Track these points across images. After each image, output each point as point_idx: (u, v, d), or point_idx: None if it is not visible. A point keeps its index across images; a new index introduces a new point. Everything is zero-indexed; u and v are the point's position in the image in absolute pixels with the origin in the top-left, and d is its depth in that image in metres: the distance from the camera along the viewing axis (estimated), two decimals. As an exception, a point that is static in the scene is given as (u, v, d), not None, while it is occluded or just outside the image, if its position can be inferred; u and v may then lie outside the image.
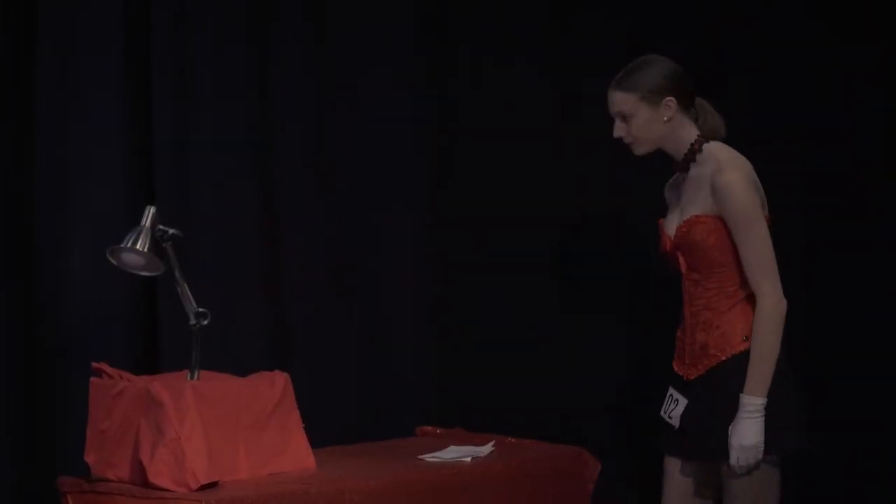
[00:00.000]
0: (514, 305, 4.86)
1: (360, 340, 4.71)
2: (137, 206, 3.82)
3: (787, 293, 3.50)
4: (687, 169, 3.58)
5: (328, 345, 4.64)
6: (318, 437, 3.90)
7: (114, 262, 3.72)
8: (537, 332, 4.83)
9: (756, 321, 3.45)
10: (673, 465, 3.71)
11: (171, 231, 3.70)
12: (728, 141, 3.65)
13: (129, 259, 3.70)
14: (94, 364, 3.75)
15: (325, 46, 4.60)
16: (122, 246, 3.67)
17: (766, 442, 3.46)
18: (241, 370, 3.87)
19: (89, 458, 3.66)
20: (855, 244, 4.92)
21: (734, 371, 3.49)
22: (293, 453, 3.79)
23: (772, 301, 3.44)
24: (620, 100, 3.54)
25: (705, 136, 3.58)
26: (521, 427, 4.36)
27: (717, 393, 3.53)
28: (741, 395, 3.45)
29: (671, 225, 3.60)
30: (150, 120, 4.36)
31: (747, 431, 3.44)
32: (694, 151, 3.56)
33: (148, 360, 4.30)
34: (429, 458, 3.98)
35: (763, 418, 3.43)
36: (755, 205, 3.45)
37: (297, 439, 3.81)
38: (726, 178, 3.45)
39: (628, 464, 4.72)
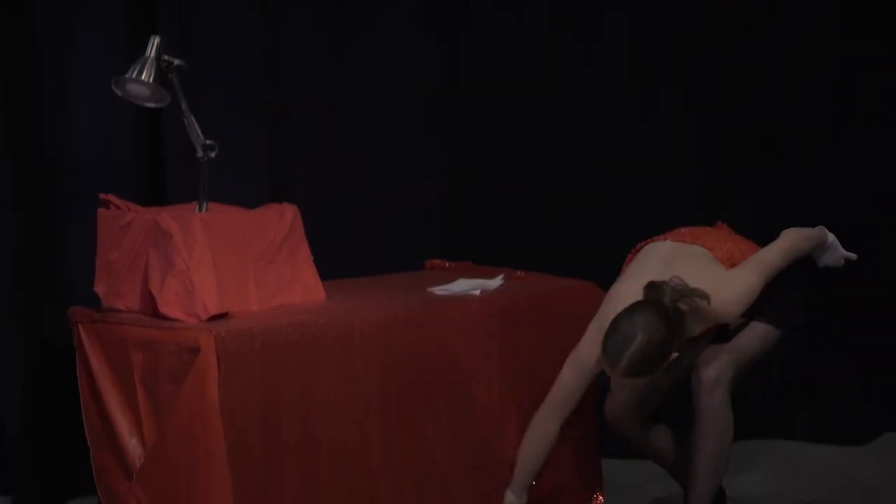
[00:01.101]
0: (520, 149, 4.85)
1: (370, 172, 4.69)
2: (142, 36, 3.76)
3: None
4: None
5: (337, 176, 4.63)
6: (327, 269, 3.91)
7: (119, 93, 3.68)
8: (547, 170, 4.81)
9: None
10: None
11: (176, 62, 3.66)
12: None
13: (135, 90, 3.67)
14: (102, 195, 3.74)
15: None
16: (127, 76, 3.63)
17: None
18: (250, 202, 3.85)
19: (98, 288, 3.67)
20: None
21: None
22: (303, 285, 3.80)
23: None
24: (633, 381, 3.67)
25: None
26: (531, 262, 4.37)
27: None
28: None
29: None
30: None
31: None
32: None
33: (155, 193, 4.30)
34: (438, 290, 3.99)
35: None
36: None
37: (307, 271, 3.81)
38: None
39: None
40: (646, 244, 3.96)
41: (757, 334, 3.88)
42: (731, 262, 3.82)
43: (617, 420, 4.03)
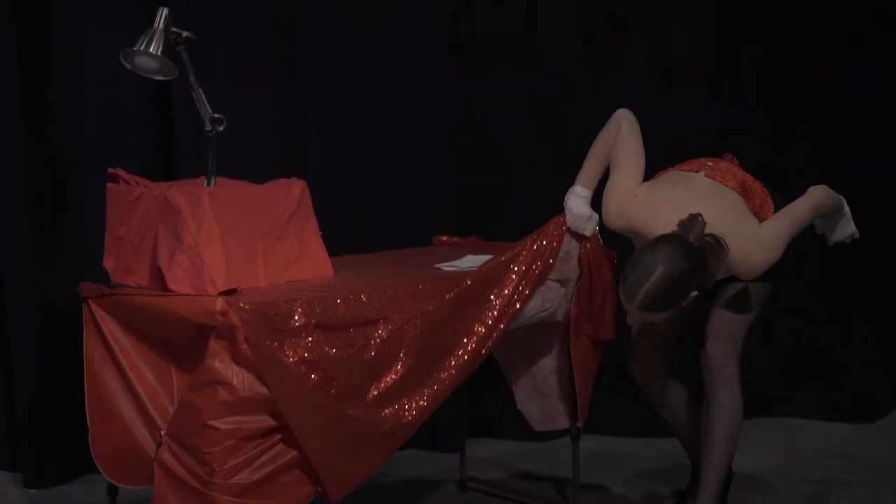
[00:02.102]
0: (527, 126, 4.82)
1: (378, 149, 4.67)
2: (150, 7, 3.72)
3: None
4: None
5: (345, 153, 4.61)
6: (335, 245, 3.89)
7: (127, 65, 3.65)
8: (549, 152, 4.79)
9: None
10: None
11: (184, 34, 3.62)
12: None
13: (143, 62, 3.63)
14: (111, 170, 3.72)
15: None
16: (135, 49, 3.60)
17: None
18: (258, 177, 3.83)
19: (108, 263, 3.65)
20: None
21: None
22: (311, 260, 3.78)
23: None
24: (650, 317, 3.61)
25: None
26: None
27: None
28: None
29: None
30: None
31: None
32: None
33: (164, 167, 4.28)
34: (445, 266, 3.97)
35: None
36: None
37: (315, 247, 3.79)
38: None
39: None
40: (671, 171, 3.92)
41: (757, 294, 3.83)
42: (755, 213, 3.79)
43: (640, 372, 4.00)
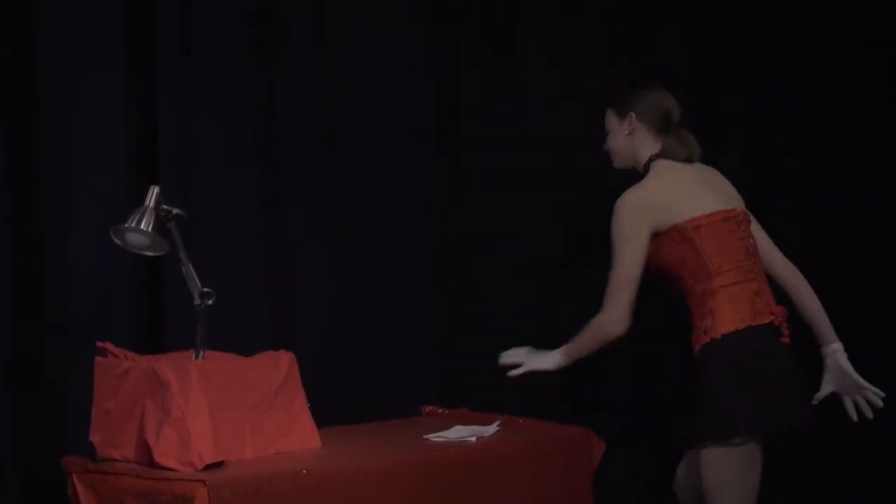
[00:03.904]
0: (518, 286, 4.86)
1: (365, 322, 4.70)
2: (141, 186, 3.79)
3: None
4: None
5: (332, 326, 4.64)
6: (323, 417, 3.90)
7: (118, 241, 3.71)
8: (541, 311, 4.82)
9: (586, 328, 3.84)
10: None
11: (175, 211, 3.69)
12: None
13: (134, 239, 3.70)
14: (99, 343, 3.75)
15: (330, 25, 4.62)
16: (126, 226, 3.67)
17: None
18: (246, 350, 3.86)
19: (94, 437, 3.65)
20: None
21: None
22: (299, 433, 3.79)
23: (603, 318, 3.81)
24: (607, 114, 3.99)
25: (661, 156, 3.91)
26: (527, 407, 4.35)
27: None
28: None
29: None
30: (154, 101, 4.34)
31: None
32: (645, 171, 3.92)
33: (152, 340, 4.30)
34: (434, 437, 3.98)
35: None
36: (622, 231, 3.78)
37: (303, 419, 3.81)
38: (617, 202, 3.82)
39: (634, 447, 4.74)
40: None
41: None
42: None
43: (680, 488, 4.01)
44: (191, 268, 3.72)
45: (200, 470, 3.46)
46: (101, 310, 4.28)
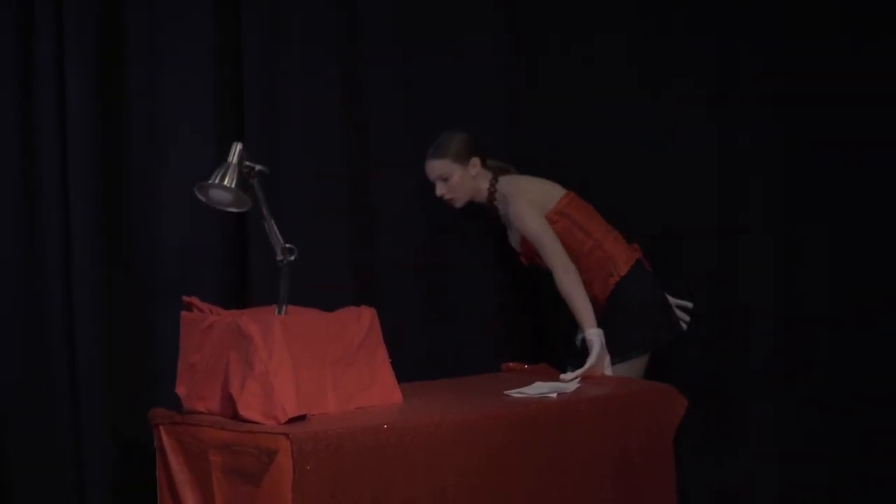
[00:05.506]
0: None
1: (448, 277, 4.71)
2: (225, 143, 3.83)
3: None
4: (497, 210, 4.55)
5: (415, 280, 4.65)
6: (405, 371, 3.92)
7: (202, 198, 3.74)
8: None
9: (558, 287, 4.39)
10: None
11: (257, 167, 3.72)
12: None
13: (217, 195, 3.73)
14: (185, 298, 3.80)
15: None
16: (209, 182, 3.70)
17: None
18: (329, 305, 3.88)
19: (180, 390, 3.71)
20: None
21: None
22: (380, 388, 3.81)
23: (558, 274, 4.38)
24: (438, 166, 4.46)
25: (496, 175, 4.51)
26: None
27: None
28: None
29: (515, 241, 4.59)
30: (240, 56, 4.37)
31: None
32: (492, 193, 4.50)
33: (237, 295, 4.35)
34: (514, 393, 3.98)
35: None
36: (536, 223, 4.42)
37: (384, 374, 3.83)
38: (514, 212, 4.45)
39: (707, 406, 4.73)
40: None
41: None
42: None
43: None
44: (273, 223, 3.75)
45: (283, 423, 3.50)
46: (187, 266, 4.33)
